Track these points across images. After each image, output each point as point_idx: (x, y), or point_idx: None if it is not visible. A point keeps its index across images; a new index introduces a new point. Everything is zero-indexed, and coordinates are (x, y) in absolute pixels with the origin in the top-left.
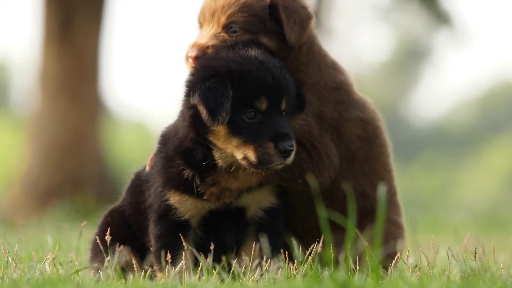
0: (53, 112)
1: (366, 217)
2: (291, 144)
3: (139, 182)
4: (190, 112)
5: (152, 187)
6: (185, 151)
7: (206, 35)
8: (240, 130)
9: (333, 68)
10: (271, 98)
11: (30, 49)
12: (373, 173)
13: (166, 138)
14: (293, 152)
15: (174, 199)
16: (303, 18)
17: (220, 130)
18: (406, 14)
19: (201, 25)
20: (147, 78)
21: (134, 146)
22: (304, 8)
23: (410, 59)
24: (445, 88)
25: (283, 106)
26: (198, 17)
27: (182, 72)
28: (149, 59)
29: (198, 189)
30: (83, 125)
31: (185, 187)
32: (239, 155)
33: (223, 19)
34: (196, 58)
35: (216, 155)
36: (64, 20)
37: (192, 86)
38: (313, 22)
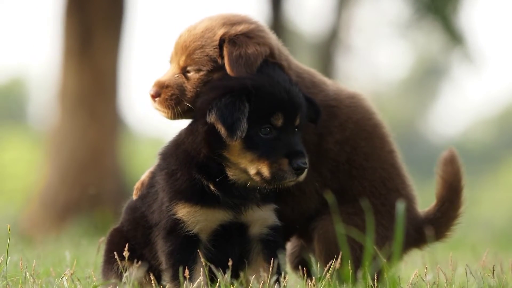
0: (72, 128)
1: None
2: (305, 161)
3: (152, 184)
4: (204, 128)
5: (154, 205)
6: (199, 166)
7: (168, 74)
8: (255, 146)
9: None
10: (287, 114)
11: (49, 64)
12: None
13: (166, 156)
14: (306, 170)
15: (182, 212)
16: (250, 54)
17: (235, 145)
18: (424, 31)
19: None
20: None
21: (152, 162)
22: (257, 44)
23: (428, 76)
24: (463, 105)
25: (297, 122)
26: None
27: None
28: None
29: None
30: (101, 141)
31: (196, 198)
32: (252, 170)
33: (181, 61)
34: (154, 97)
35: (229, 171)
36: (84, 36)
37: (208, 105)
38: (261, 58)
